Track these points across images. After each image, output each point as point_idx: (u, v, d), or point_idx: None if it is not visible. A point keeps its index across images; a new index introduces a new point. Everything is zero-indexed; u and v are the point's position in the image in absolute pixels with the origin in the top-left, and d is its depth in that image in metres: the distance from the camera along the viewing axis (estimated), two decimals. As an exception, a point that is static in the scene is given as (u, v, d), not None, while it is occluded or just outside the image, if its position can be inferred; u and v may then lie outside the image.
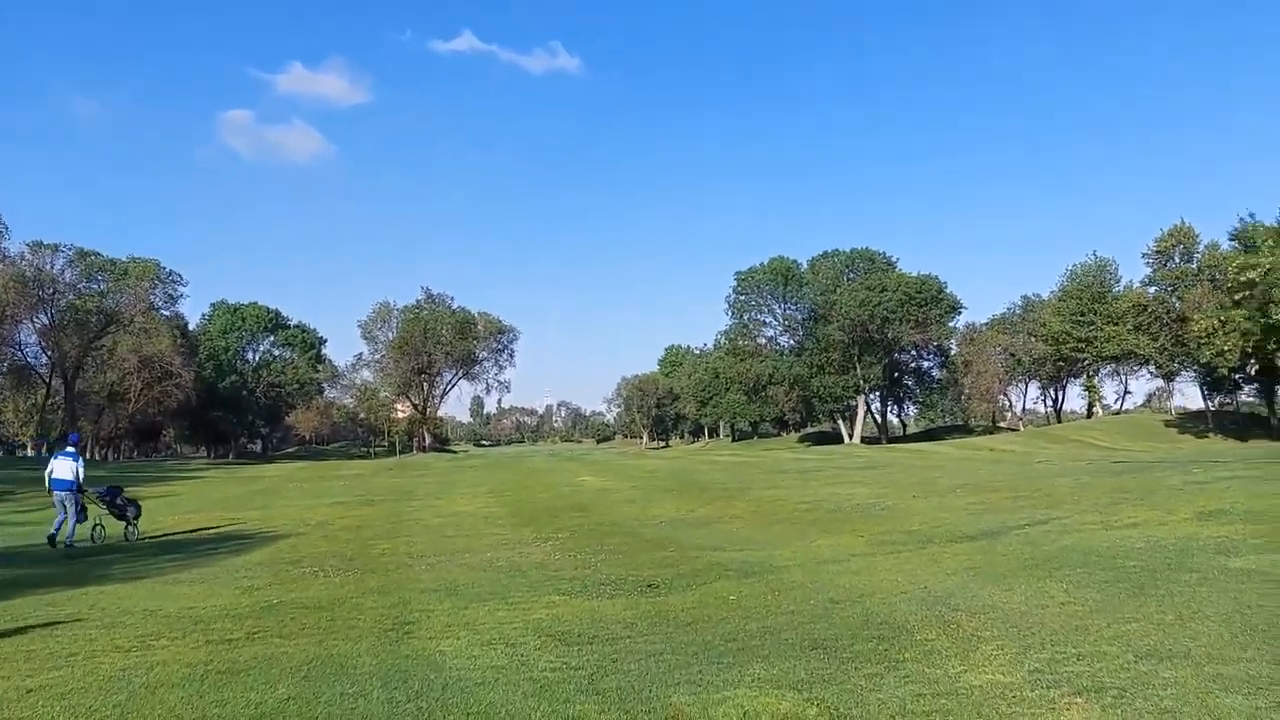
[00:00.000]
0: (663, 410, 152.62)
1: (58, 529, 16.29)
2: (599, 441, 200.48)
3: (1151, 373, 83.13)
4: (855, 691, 5.54)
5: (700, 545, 13.47)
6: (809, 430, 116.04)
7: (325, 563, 13.20)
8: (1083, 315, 79.66)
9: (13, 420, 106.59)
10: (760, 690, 5.68)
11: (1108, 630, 6.59)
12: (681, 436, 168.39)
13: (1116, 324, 76.27)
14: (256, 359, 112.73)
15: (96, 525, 17.36)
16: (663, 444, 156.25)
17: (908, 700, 5.31)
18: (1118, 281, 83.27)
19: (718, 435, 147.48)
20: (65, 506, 16.57)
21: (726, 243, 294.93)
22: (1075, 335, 79.35)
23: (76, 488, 16.76)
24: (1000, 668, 5.90)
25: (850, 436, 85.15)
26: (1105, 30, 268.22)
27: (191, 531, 19.05)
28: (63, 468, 16.85)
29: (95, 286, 78.78)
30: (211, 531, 18.82)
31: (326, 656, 7.14)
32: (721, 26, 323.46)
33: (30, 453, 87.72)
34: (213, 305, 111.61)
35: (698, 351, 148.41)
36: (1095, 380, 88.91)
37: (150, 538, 17.73)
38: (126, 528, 17.80)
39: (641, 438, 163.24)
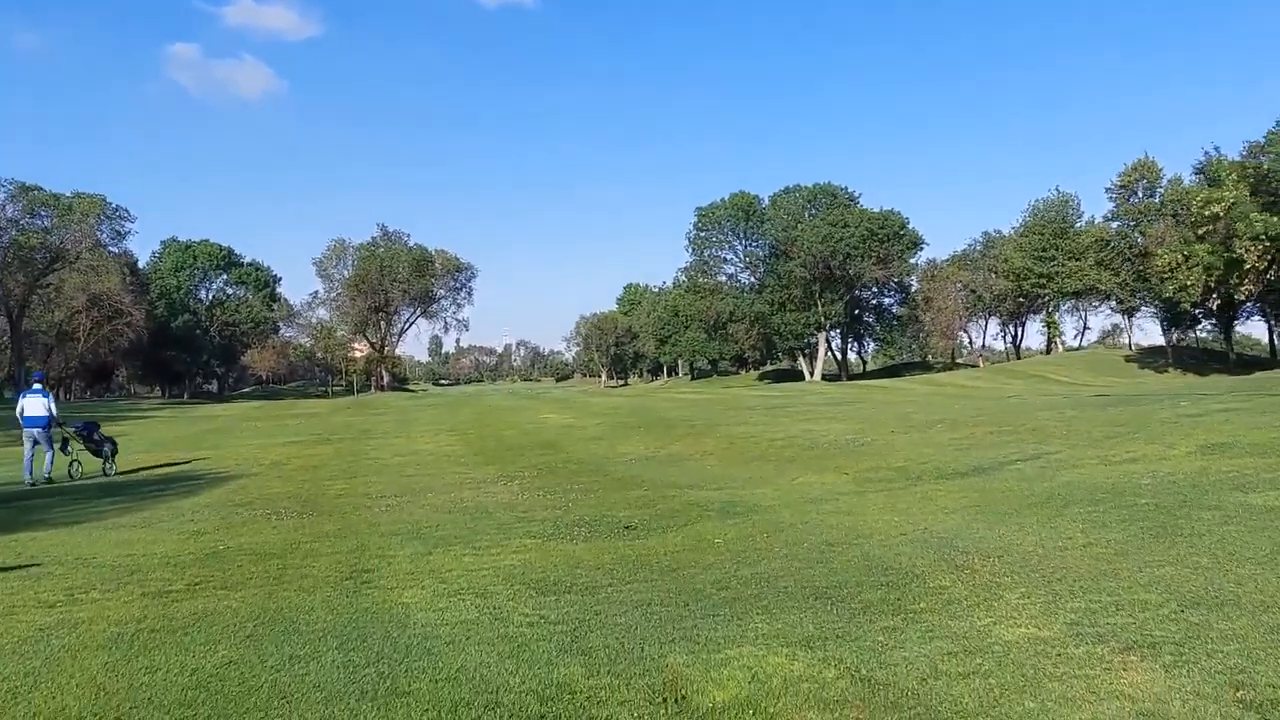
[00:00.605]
0: (621, 349, 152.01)
1: (45, 468, 16.53)
2: (558, 380, 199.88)
3: (1113, 308, 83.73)
4: (875, 649, 4.92)
5: (675, 484, 12.86)
6: (768, 368, 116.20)
7: (278, 505, 12.43)
8: (1044, 251, 79.78)
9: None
10: (767, 648, 5.05)
11: (1141, 575, 6.02)
12: (640, 375, 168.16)
13: (1078, 259, 76.47)
14: (210, 298, 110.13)
15: (74, 461, 17.52)
16: (621, 382, 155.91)
17: (937, 659, 4.69)
18: (1080, 217, 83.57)
19: (676, 374, 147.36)
20: (39, 443, 16.73)
21: (686, 180, 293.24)
22: (1037, 271, 79.55)
23: (49, 424, 16.92)
24: (1033, 619, 5.31)
25: (811, 374, 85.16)
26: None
27: (136, 471, 18.13)
28: (34, 405, 16.93)
29: (39, 223, 75.92)
30: (159, 472, 17.92)
31: (275, 610, 6.42)
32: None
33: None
34: (163, 243, 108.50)
35: (656, 290, 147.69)
36: (1056, 316, 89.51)
37: (90, 479, 16.80)
38: (105, 463, 17.99)
39: (600, 376, 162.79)
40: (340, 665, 5.07)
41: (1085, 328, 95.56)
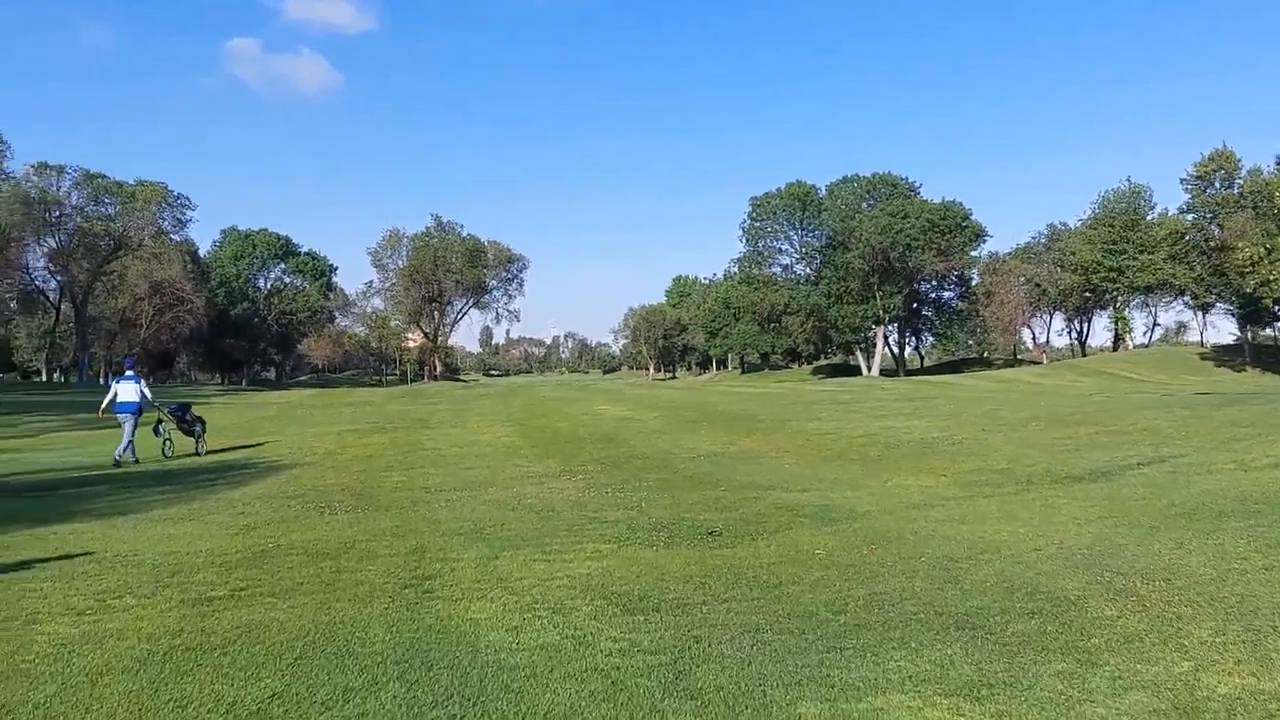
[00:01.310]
0: (670, 341, 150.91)
1: (120, 449, 16.70)
2: (605, 372, 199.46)
3: (1187, 304, 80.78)
4: (1058, 703, 3.97)
5: (754, 484, 11.92)
6: (822, 362, 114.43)
7: (332, 497, 11.72)
8: (1114, 244, 77.12)
9: (25, 345, 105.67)
10: (920, 698, 4.13)
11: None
12: (689, 368, 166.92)
13: (1150, 253, 73.82)
14: (268, 286, 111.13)
15: (166, 441, 17.96)
16: (669, 375, 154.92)
17: (1147, 721, 3.72)
18: (1152, 209, 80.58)
19: (725, 367, 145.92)
20: (126, 426, 17.03)
21: (736, 172, 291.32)
22: (1106, 265, 76.92)
23: (139, 410, 17.36)
24: (1241, 665, 4.32)
25: (868, 369, 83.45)
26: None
27: (190, 458, 17.57)
28: (126, 390, 17.52)
29: (103, 209, 76.92)
30: (212, 460, 17.33)
31: (328, 626, 5.63)
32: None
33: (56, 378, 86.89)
34: (223, 232, 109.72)
35: (706, 282, 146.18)
36: (1125, 312, 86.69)
37: (143, 468, 16.26)
38: (196, 443, 18.50)
39: (648, 369, 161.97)
40: (402, 703, 4.24)
41: (1155, 324, 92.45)
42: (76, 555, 8.21)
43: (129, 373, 18.00)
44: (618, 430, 20.58)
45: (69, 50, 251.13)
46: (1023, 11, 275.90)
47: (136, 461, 16.72)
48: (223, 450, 19.00)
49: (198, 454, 18.04)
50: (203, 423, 19.00)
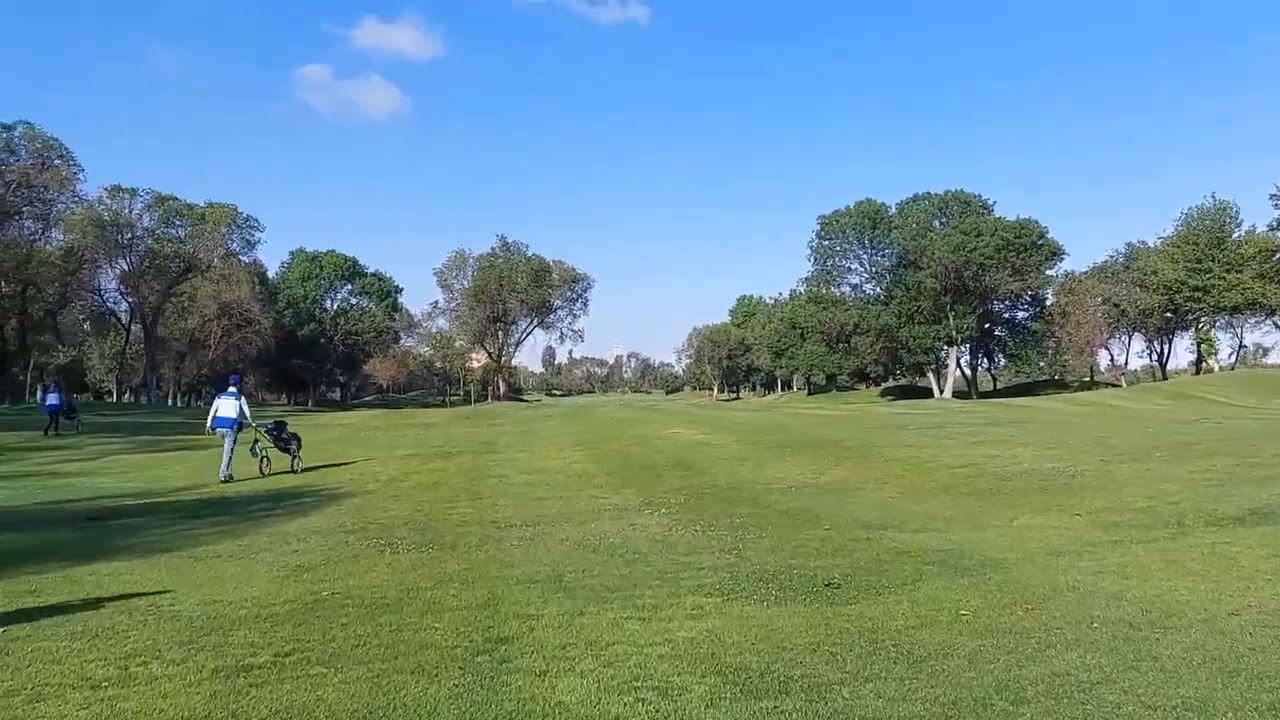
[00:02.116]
0: (734, 361, 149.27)
1: (223, 466, 17.24)
2: (668, 393, 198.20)
3: (1277, 324, 77.14)
4: None
5: (860, 521, 10.67)
6: (890, 384, 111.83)
7: (394, 532, 10.73)
8: (1199, 262, 73.98)
9: (98, 366, 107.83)
10: None
11: None
12: (753, 389, 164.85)
13: (1238, 271, 70.61)
14: (334, 307, 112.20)
15: (263, 459, 18.22)
16: (733, 396, 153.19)
17: None
18: (1238, 226, 77.20)
19: (790, 388, 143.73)
20: (226, 441, 17.51)
21: (801, 191, 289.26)
22: (1191, 284, 73.79)
23: (237, 425, 17.78)
24: None
25: (940, 390, 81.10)
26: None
27: (247, 482, 16.78)
28: (227, 407, 17.98)
29: (173, 231, 78.10)
30: (270, 485, 16.51)
31: (385, 710, 4.56)
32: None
33: (126, 399, 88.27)
34: (291, 253, 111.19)
35: (771, 302, 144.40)
36: (1210, 333, 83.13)
37: (198, 495, 15.47)
38: (292, 460, 18.78)
39: (712, 389, 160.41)
40: None
41: (1241, 345, 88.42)
42: (109, 601, 7.29)
43: (231, 389, 18.35)
44: (695, 456, 19.38)
45: (146, 80, 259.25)
46: (1095, 27, 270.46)
47: (229, 478, 17.01)
48: (283, 473, 18.38)
49: (294, 471, 18.39)
50: (298, 440, 19.24)
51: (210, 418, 18.26)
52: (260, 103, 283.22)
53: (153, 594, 7.65)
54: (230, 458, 17.36)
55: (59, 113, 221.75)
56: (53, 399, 34.29)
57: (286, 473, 18.25)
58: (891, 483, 14.10)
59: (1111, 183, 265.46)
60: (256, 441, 18.52)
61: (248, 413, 18.22)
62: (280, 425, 19.39)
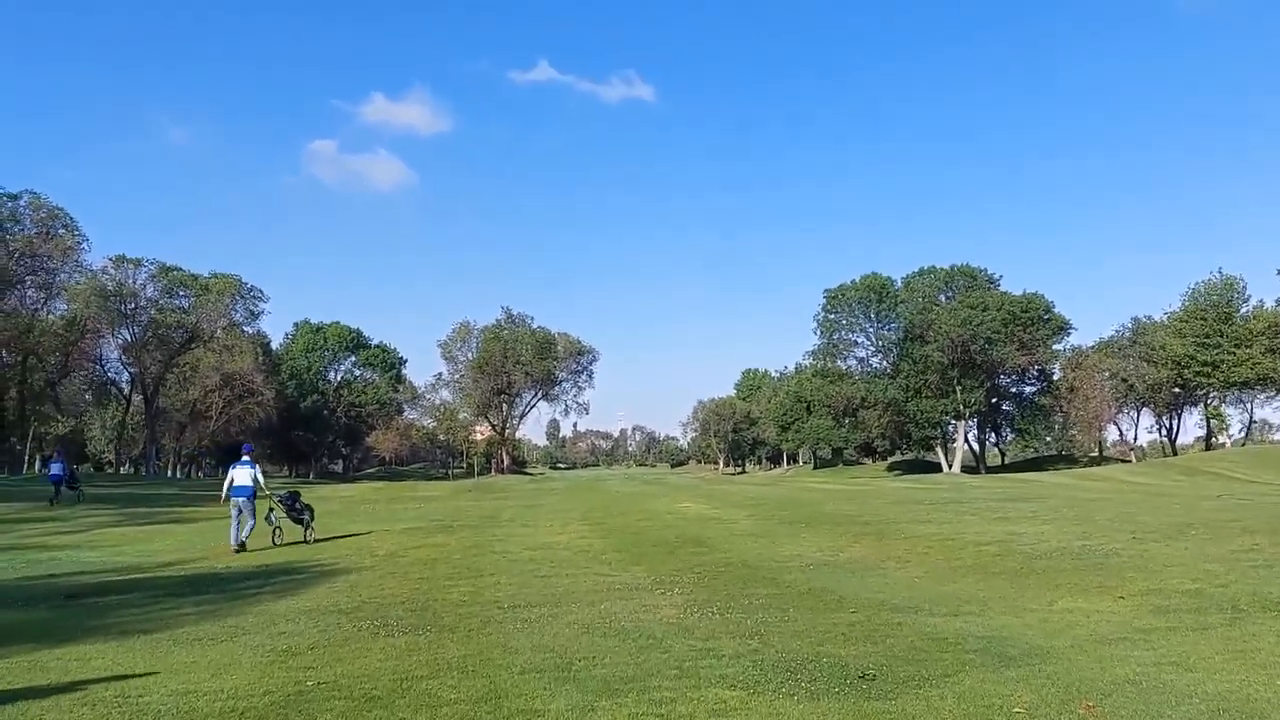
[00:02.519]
0: (739, 435, 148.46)
1: (244, 534, 17.32)
2: (673, 466, 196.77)
3: (1287, 398, 76.54)
4: None
5: (888, 604, 9.96)
6: (898, 458, 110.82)
7: (389, 613, 10.04)
8: (1207, 337, 73.59)
9: (98, 436, 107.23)
10: None
11: None
12: (759, 462, 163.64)
13: (1247, 346, 70.14)
14: (338, 379, 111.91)
15: (276, 529, 18.42)
16: (739, 470, 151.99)
17: None
18: (1245, 301, 76.97)
19: (796, 461, 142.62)
20: (242, 511, 17.53)
21: (802, 266, 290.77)
22: (1200, 359, 73.29)
23: (254, 494, 17.81)
24: None
25: (949, 465, 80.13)
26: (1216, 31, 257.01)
27: (239, 557, 16.05)
28: (243, 475, 17.97)
29: (177, 302, 78.09)
30: (262, 563, 15.74)
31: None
32: (794, 48, 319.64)
33: (125, 470, 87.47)
34: (295, 324, 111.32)
35: (776, 375, 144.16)
36: (1220, 408, 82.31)
37: (185, 570, 14.77)
38: (305, 531, 18.82)
39: (717, 463, 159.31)
40: None
41: (1252, 421, 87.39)
42: (74, 690, 6.66)
43: (245, 458, 18.33)
44: (706, 532, 18.65)
45: (155, 153, 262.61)
46: (1096, 104, 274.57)
47: (241, 547, 17.05)
48: (296, 543, 18.34)
49: (306, 541, 18.44)
50: (311, 511, 19.27)
51: (226, 488, 18.17)
52: (269, 176, 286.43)
53: (122, 680, 7.01)
54: (249, 526, 17.59)
55: (67, 185, 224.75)
56: (56, 469, 34.18)
57: (299, 543, 18.25)
58: (915, 561, 13.37)
59: (1116, 258, 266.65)
60: (271, 510, 18.64)
61: (262, 481, 18.31)
62: (294, 495, 19.33)
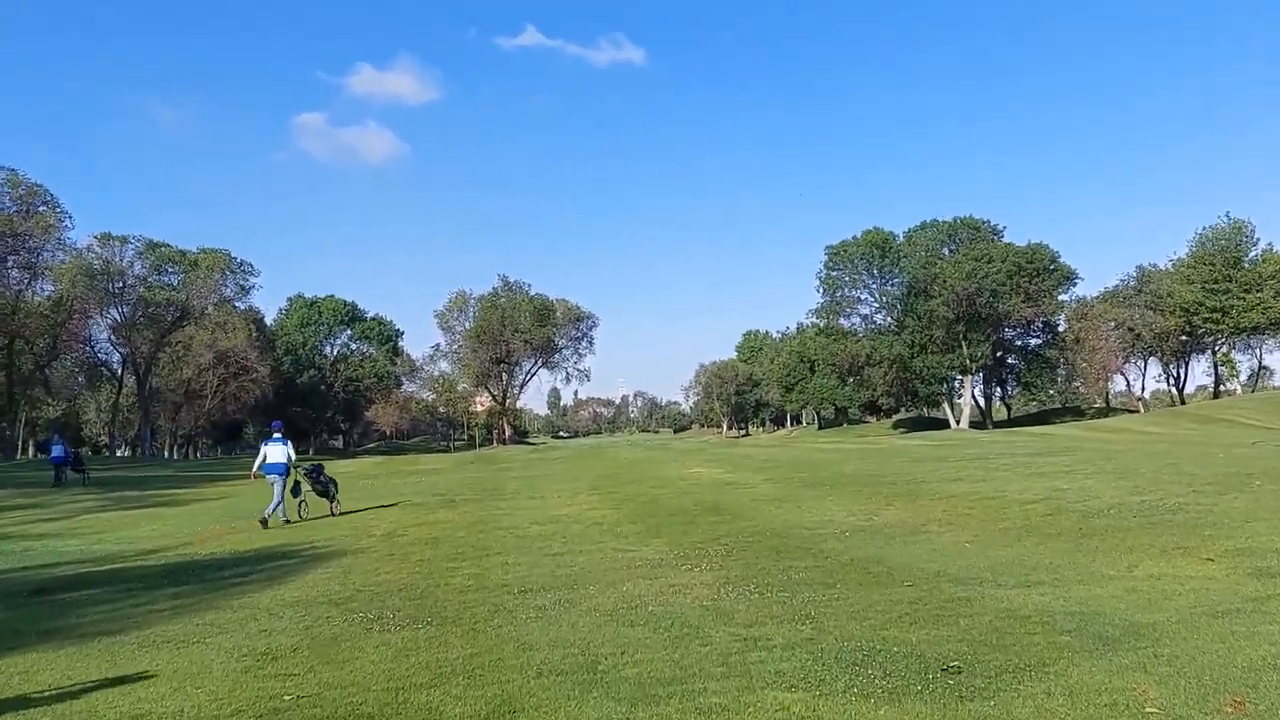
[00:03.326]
0: (742, 397, 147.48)
1: (273, 509, 17.35)
2: (675, 431, 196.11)
3: (1300, 342, 75.37)
4: None
5: (947, 575, 8.86)
6: (902, 415, 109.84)
7: (386, 603, 8.96)
8: (1216, 283, 72.31)
9: (94, 420, 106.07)
10: None
11: None
12: (762, 425, 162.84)
13: (1258, 291, 68.88)
14: (334, 353, 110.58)
15: (302, 502, 18.61)
16: (742, 432, 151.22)
17: None
18: (1254, 245, 75.55)
19: (799, 423, 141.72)
20: (276, 487, 17.60)
21: (801, 225, 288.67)
22: (1209, 305, 72.06)
23: (287, 470, 17.94)
24: None
25: (956, 421, 79.15)
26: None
27: (226, 542, 14.96)
28: (275, 452, 18.02)
29: (166, 279, 76.62)
30: (251, 548, 14.63)
31: None
32: (782, 6, 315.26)
33: (121, 453, 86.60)
34: (289, 299, 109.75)
35: (778, 336, 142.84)
36: (1230, 355, 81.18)
37: (167, 559, 13.67)
38: (331, 504, 19.10)
39: (721, 426, 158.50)
40: None
41: (1262, 367, 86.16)
42: (24, 706, 5.61)
43: (276, 435, 18.35)
44: (725, 498, 17.56)
45: (141, 134, 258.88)
46: (1095, 49, 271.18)
47: (287, 521, 17.50)
48: (322, 516, 18.35)
49: (333, 514, 18.64)
50: (335, 484, 19.46)
51: (258, 464, 18.23)
52: (258, 152, 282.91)
53: (68, 698, 5.93)
54: (281, 501, 17.49)
55: (53, 168, 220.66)
56: (57, 451, 34.06)
57: (325, 516, 18.38)
58: (959, 524, 12.28)
59: (1119, 206, 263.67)
60: (299, 483, 18.70)
61: (293, 455, 18.42)
62: (319, 468, 19.48)
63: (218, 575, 11.63)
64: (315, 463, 21.22)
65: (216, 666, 6.79)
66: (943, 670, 5.61)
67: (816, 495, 16.81)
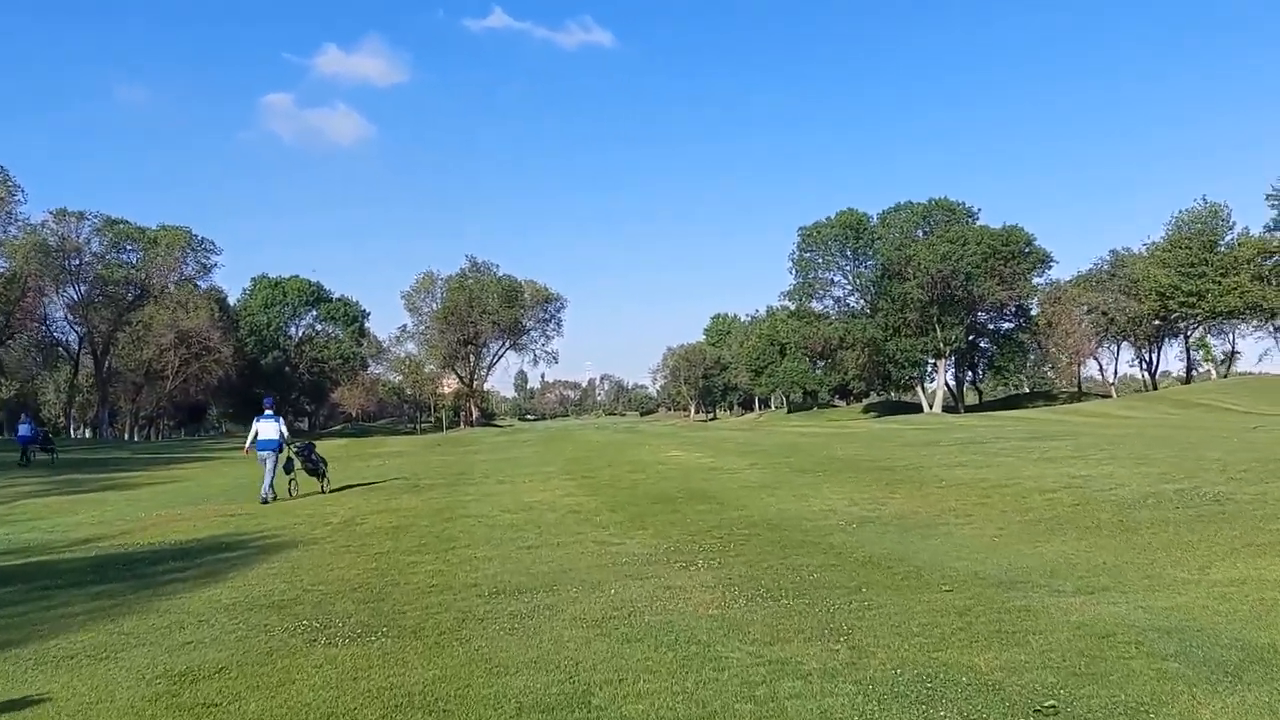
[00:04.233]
0: (710, 381, 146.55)
1: (269, 486, 17.34)
2: (643, 414, 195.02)
3: (1277, 328, 75.07)
4: None
5: (985, 576, 7.68)
6: (874, 399, 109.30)
7: (335, 606, 7.67)
8: (1192, 266, 71.94)
9: (54, 401, 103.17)
10: None
11: None
12: (729, 408, 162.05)
13: (1235, 275, 68.55)
14: (299, 334, 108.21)
15: (292, 480, 18.37)
16: (710, 416, 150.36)
17: None
18: (1230, 229, 75.20)
19: (768, 406, 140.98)
20: (268, 463, 17.55)
21: (769, 209, 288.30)
22: (1185, 289, 71.70)
23: (280, 447, 17.82)
24: None
25: (930, 405, 78.59)
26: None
27: (167, 534, 13.53)
28: (268, 429, 17.87)
29: (125, 257, 74.14)
30: (195, 537, 13.22)
31: None
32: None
33: (80, 434, 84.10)
34: (253, 280, 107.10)
35: (747, 319, 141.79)
36: (1206, 339, 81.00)
37: (100, 550, 12.24)
38: (321, 481, 18.87)
39: (688, 409, 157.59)
40: None
41: (1234, 351, 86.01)
42: None
43: (268, 412, 18.21)
44: (710, 484, 16.32)
45: (106, 114, 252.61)
46: (1068, 33, 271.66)
47: (274, 499, 17.21)
48: (314, 493, 18.24)
49: (323, 492, 18.45)
50: (325, 462, 19.37)
51: (250, 440, 18.10)
52: (224, 133, 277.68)
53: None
54: (272, 479, 17.41)
55: (12, 148, 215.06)
56: (24, 430, 34.07)
57: (316, 493, 18.25)
58: (978, 515, 11.11)
59: (1092, 190, 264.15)
60: (291, 461, 18.46)
61: (286, 433, 18.25)
62: (309, 446, 19.26)
63: (150, 571, 10.25)
64: (307, 441, 21.19)
65: (122, 692, 5.50)
66: (1035, 712, 4.41)
67: (810, 482, 15.61)
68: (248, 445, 18.26)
